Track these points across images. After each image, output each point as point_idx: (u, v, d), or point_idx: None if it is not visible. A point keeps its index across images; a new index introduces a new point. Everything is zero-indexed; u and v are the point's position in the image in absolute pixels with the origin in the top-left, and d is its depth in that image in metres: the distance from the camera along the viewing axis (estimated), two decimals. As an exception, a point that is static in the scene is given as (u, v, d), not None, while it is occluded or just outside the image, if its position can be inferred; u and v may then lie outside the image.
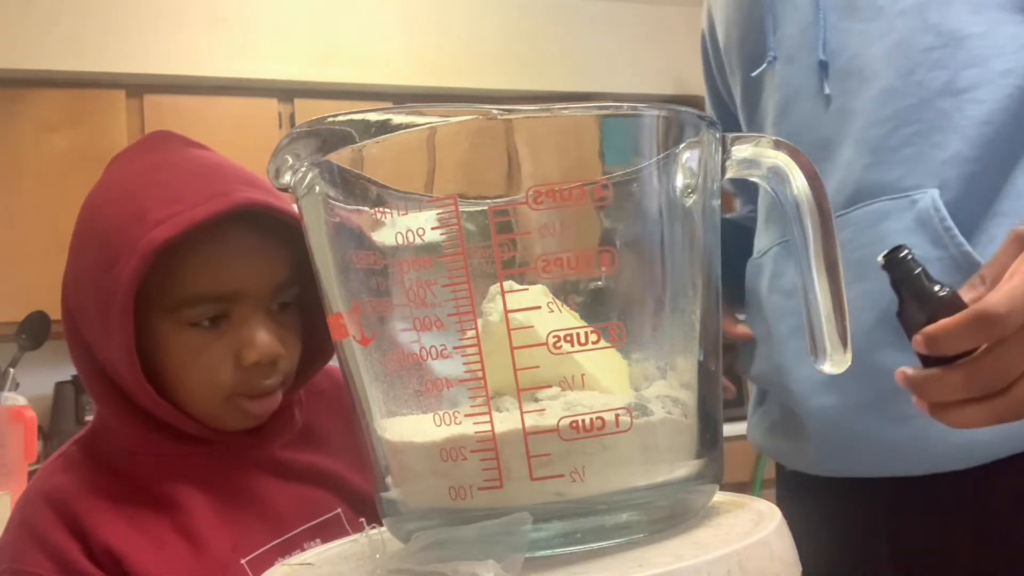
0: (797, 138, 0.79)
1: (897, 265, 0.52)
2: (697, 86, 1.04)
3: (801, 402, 0.79)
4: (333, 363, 0.89)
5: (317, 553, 0.55)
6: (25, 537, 0.72)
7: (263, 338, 0.73)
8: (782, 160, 0.50)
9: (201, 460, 0.77)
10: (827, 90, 0.79)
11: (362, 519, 0.53)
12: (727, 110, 0.99)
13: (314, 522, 0.78)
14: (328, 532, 0.77)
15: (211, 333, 0.73)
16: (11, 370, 2.25)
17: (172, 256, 0.70)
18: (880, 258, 0.53)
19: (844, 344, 0.51)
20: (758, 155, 0.50)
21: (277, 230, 0.74)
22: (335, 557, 0.53)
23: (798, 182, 0.50)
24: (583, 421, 0.41)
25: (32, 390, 2.63)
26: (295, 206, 0.51)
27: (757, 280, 0.88)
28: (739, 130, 0.93)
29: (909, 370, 0.53)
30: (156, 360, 0.74)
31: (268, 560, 0.73)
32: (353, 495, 0.80)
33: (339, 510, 0.79)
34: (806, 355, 0.74)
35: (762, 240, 0.89)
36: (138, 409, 0.74)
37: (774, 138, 0.50)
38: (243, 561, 0.73)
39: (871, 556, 0.79)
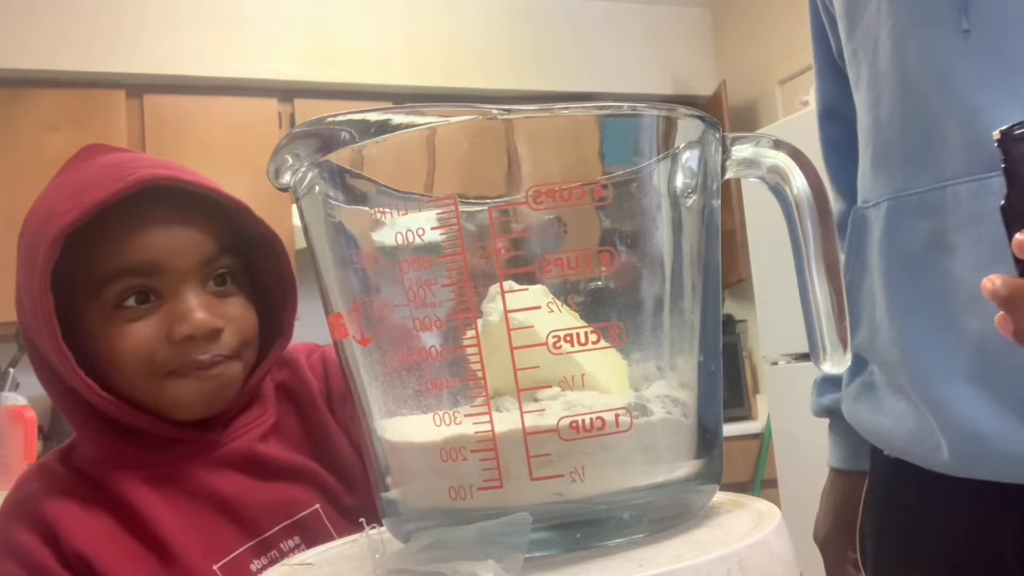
0: (917, 71, 0.68)
1: (1015, 143, 0.43)
2: (697, 86, 1.01)
3: (927, 388, 0.69)
4: (297, 344, 0.87)
5: (317, 553, 0.55)
6: (2, 551, 0.71)
7: (194, 310, 0.71)
8: (782, 160, 0.50)
9: (169, 464, 0.74)
10: (965, 24, 0.66)
11: (362, 519, 0.53)
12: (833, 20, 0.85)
13: (291, 520, 0.76)
14: (307, 529, 0.76)
15: (140, 311, 0.71)
16: (11, 370, 2.25)
17: (86, 242, 0.70)
18: (996, 132, 0.45)
19: (844, 344, 0.51)
20: (758, 155, 0.50)
21: (200, 206, 0.74)
22: (335, 557, 0.53)
23: (798, 182, 0.50)
24: (583, 421, 0.41)
25: (32, 390, 2.63)
26: (294, 206, 0.51)
27: (863, 235, 0.76)
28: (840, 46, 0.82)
29: (998, 279, 0.45)
30: (95, 353, 0.72)
31: (243, 563, 0.72)
32: (329, 491, 0.78)
33: (317, 506, 0.77)
34: (936, 333, 0.68)
35: (868, 187, 0.76)
36: (100, 416, 0.73)
37: (774, 138, 0.50)
38: (215, 567, 0.71)
39: (992, 555, 0.70)
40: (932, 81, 0.68)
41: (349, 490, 0.79)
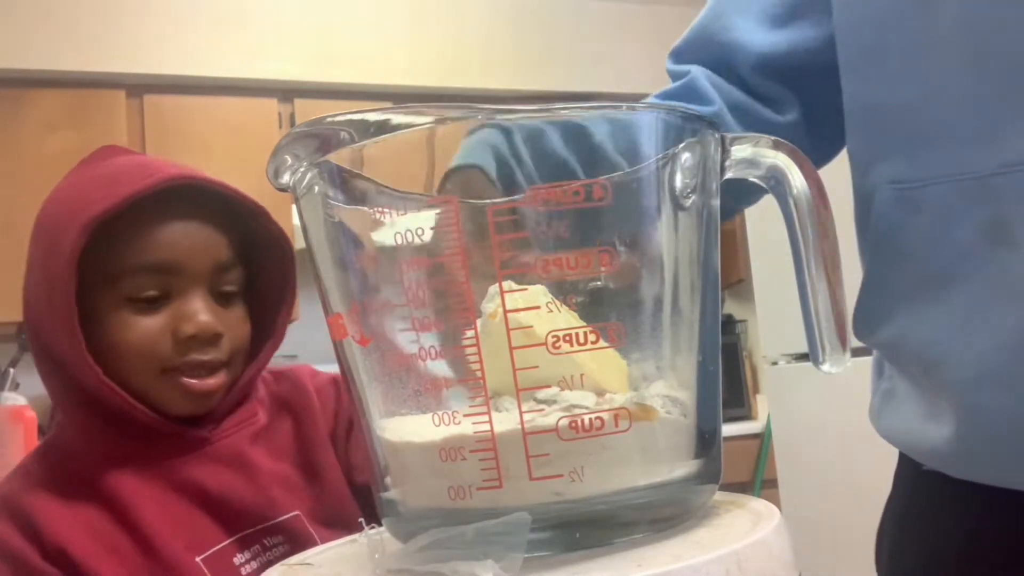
0: (989, 38, 0.61)
1: None
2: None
3: (965, 393, 0.64)
4: (300, 364, 0.91)
5: (317, 553, 0.55)
6: None
7: (201, 313, 0.75)
8: (782, 160, 0.50)
9: (157, 458, 0.76)
10: None
11: (361, 519, 0.53)
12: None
13: (273, 521, 0.77)
14: (288, 531, 0.77)
15: (150, 307, 0.74)
16: (11, 370, 2.25)
17: (112, 232, 0.72)
18: None
19: (844, 344, 0.51)
20: (757, 155, 0.50)
21: (221, 215, 0.77)
22: (335, 557, 0.53)
23: (797, 182, 0.50)
24: (582, 421, 0.41)
25: (32, 390, 2.63)
26: (294, 206, 0.51)
27: (902, 218, 0.67)
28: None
29: None
30: (99, 343, 0.74)
31: (226, 556, 0.74)
32: (309, 504, 0.80)
33: (297, 512, 0.79)
34: (981, 334, 0.62)
35: (906, 165, 0.67)
36: (95, 407, 0.75)
37: (773, 138, 0.50)
38: (198, 559, 0.73)
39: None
40: (1008, 50, 0.61)
41: (331, 513, 0.80)
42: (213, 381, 0.77)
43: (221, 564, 0.73)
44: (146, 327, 0.74)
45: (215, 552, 0.73)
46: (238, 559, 0.74)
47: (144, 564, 0.72)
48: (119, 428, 0.75)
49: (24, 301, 0.77)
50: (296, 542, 0.76)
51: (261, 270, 0.82)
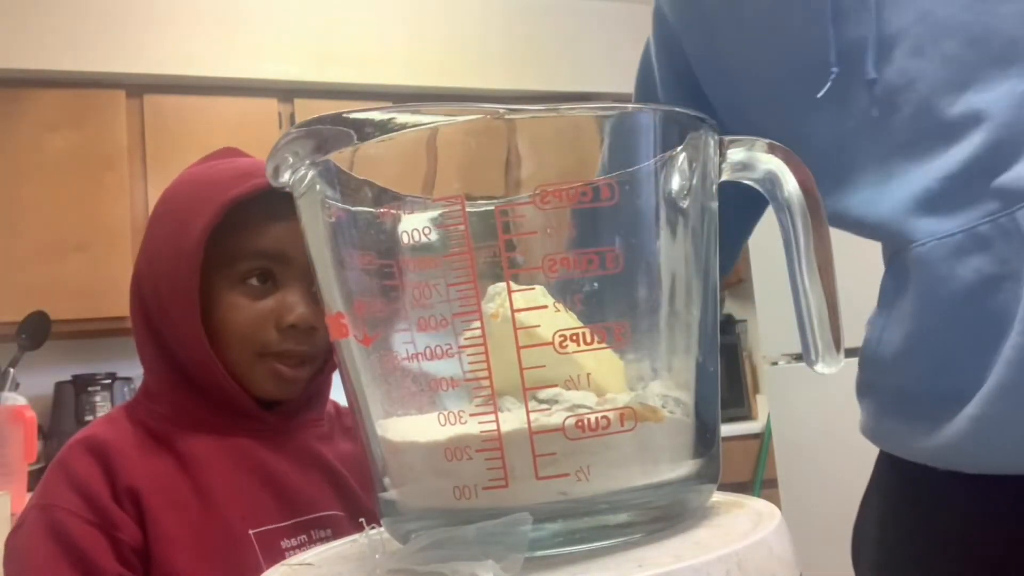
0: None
1: None
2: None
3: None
4: None
5: (317, 553, 0.55)
6: (59, 476, 0.77)
7: (301, 305, 0.81)
8: (775, 164, 0.50)
9: (231, 432, 0.81)
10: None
11: (361, 519, 0.53)
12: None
13: (324, 513, 0.82)
14: (335, 527, 0.81)
15: (257, 291, 0.81)
16: (11, 370, 2.25)
17: (237, 218, 0.79)
18: None
19: (837, 345, 0.51)
20: (752, 159, 0.50)
21: None
22: (335, 557, 0.53)
23: (790, 186, 0.50)
24: (588, 420, 0.41)
25: (32, 390, 2.63)
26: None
27: (924, 277, 0.65)
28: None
29: None
30: (205, 321, 0.80)
31: (275, 537, 0.78)
32: (354, 508, 0.85)
33: (342, 513, 0.83)
34: (980, 357, 0.60)
35: (931, 222, 0.64)
36: (185, 378, 0.81)
37: (768, 141, 0.50)
38: (251, 532, 0.77)
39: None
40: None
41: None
42: (301, 371, 0.83)
43: (270, 543, 0.77)
44: (253, 311, 0.80)
45: (268, 530, 0.78)
46: (285, 543, 0.78)
47: (202, 524, 0.76)
48: (204, 399, 0.81)
49: (139, 274, 0.83)
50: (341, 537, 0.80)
51: None
